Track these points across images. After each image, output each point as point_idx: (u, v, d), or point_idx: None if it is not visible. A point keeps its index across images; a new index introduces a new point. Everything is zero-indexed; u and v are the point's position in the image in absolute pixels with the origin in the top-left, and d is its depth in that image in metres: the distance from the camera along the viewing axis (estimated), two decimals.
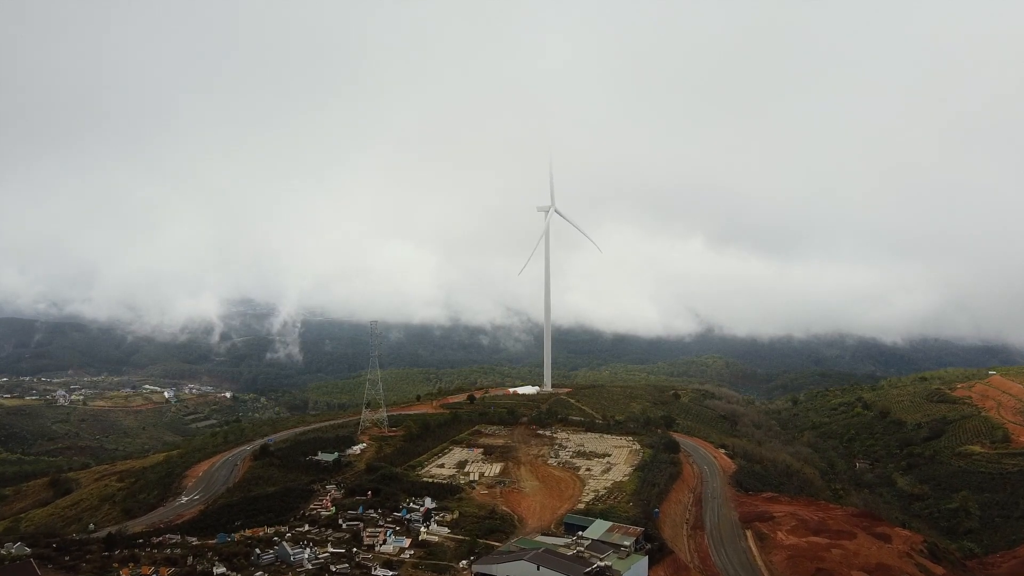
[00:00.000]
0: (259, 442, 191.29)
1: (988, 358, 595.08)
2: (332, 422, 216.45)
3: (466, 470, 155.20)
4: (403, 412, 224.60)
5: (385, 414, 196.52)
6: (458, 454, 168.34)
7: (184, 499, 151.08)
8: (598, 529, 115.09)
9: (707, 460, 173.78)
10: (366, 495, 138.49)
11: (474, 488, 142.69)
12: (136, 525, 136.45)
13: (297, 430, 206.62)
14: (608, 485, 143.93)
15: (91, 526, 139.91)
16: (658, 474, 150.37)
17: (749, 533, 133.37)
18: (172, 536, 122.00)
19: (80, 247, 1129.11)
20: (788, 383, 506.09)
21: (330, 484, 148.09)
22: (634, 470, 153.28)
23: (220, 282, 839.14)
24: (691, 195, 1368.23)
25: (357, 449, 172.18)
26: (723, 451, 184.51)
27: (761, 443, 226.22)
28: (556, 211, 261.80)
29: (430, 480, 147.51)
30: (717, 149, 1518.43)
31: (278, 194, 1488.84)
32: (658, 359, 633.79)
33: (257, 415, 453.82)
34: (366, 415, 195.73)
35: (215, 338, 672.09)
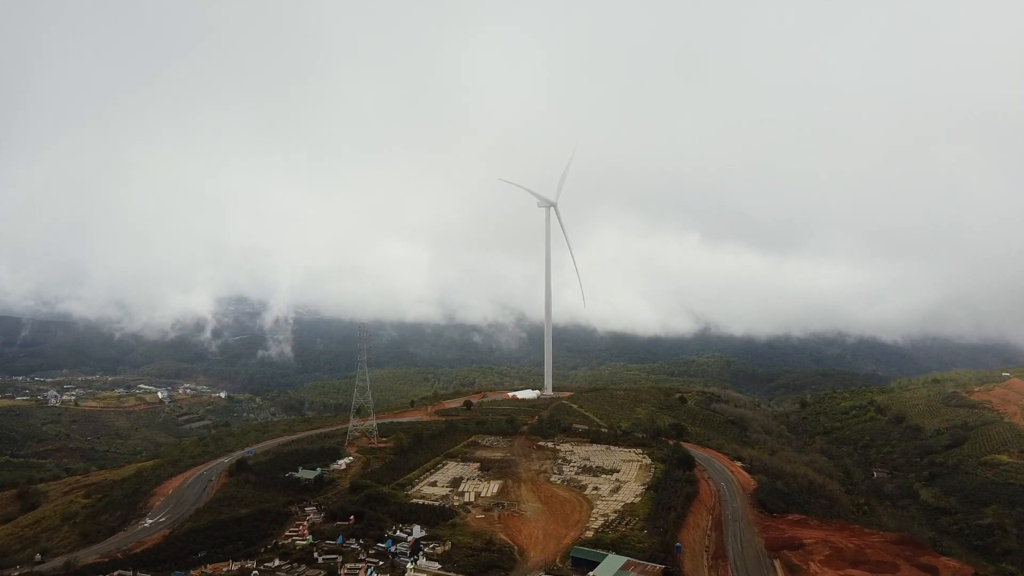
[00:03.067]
0: (238, 454, 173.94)
1: (989, 357, 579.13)
2: (319, 431, 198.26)
3: (461, 489, 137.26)
4: (395, 419, 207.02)
5: (375, 423, 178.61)
6: (452, 469, 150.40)
7: (148, 522, 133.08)
8: (611, 566, 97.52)
9: (724, 475, 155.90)
10: (348, 520, 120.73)
11: (469, 512, 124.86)
12: (89, 555, 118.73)
13: (281, 440, 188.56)
14: (619, 508, 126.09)
15: (37, 556, 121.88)
16: (673, 494, 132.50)
17: (778, 564, 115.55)
18: (125, 572, 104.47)
19: (71, 245, 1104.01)
20: (790, 383, 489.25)
21: (309, 506, 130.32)
22: (646, 489, 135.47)
23: (213, 280, 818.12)
24: (686, 191, 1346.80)
25: (342, 463, 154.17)
26: (739, 464, 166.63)
27: (774, 452, 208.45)
28: (556, 209, 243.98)
29: (420, 502, 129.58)
30: (712, 145, 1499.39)
31: (268, 191, 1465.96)
32: (657, 358, 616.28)
33: (252, 416, 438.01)
34: (354, 424, 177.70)
35: (210, 336, 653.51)
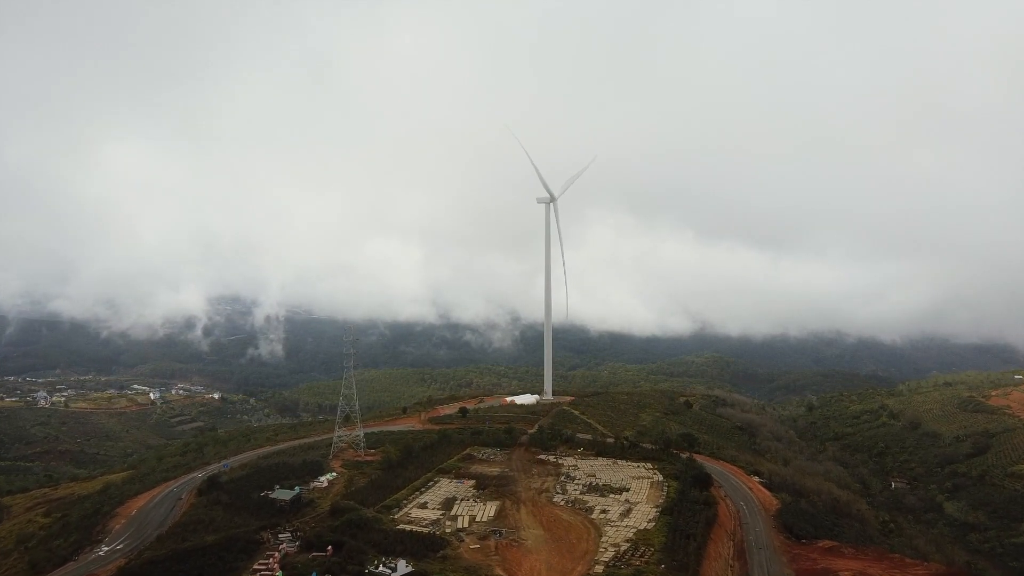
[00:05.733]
0: (214, 467, 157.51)
1: (989, 357, 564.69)
2: (303, 440, 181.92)
3: (453, 511, 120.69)
4: (386, 428, 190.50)
5: (362, 433, 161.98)
6: (445, 487, 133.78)
7: (104, 549, 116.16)
8: None
9: (742, 493, 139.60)
10: (325, 551, 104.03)
11: (462, 540, 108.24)
12: None
13: (262, 451, 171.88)
14: (631, 536, 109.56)
15: None
16: (691, 519, 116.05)
17: None
18: None
19: (59, 243, 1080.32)
20: (790, 384, 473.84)
21: (284, 532, 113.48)
22: (660, 513, 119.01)
23: (206, 279, 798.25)
24: (679, 188, 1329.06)
25: (324, 480, 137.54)
26: (757, 479, 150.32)
27: (788, 461, 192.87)
28: (555, 205, 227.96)
29: (408, 528, 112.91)
30: (705, 141, 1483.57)
31: (259, 189, 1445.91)
32: (655, 358, 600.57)
33: (245, 417, 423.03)
34: (339, 435, 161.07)
35: (201, 335, 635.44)
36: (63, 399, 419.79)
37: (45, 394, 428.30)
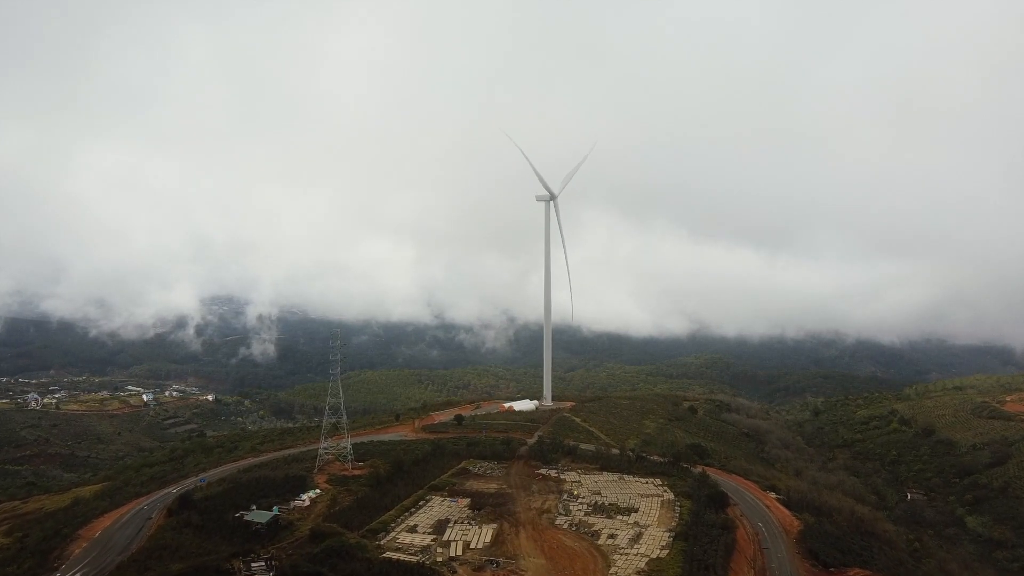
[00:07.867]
0: (191, 480, 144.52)
1: (988, 358, 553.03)
2: (288, 451, 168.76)
3: (446, 536, 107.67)
4: (376, 436, 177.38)
5: (349, 445, 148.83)
6: (437, 507, 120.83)
7: None
8: None
9: (759, 512, 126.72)
10: None
11: (455, 571, 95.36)
12: None
13: (243, 463, 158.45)
14: (642, 566, 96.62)
15: None
16: (709, 545, 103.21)
17: None
18: None
19: (52, 243, 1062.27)
20: (790, 385, 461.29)
21: (257, 561, 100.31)
22: (674, 538, 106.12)
23: (197, 280, 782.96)
24: (675, 188, 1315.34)
25: (306, 498, 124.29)
26: (774, 495, 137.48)
27: (800, 472, 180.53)
28: (555, 203, 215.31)
29: (395, 556, 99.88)
30: (704, 141, 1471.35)
31: (250, 190, 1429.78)
32: (653, 359, 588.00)
33: (239, 419, 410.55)
34: (325, 447, 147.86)
35: (194, 335, 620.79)
36: (55, 401, 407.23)
37: (36, 395, 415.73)
